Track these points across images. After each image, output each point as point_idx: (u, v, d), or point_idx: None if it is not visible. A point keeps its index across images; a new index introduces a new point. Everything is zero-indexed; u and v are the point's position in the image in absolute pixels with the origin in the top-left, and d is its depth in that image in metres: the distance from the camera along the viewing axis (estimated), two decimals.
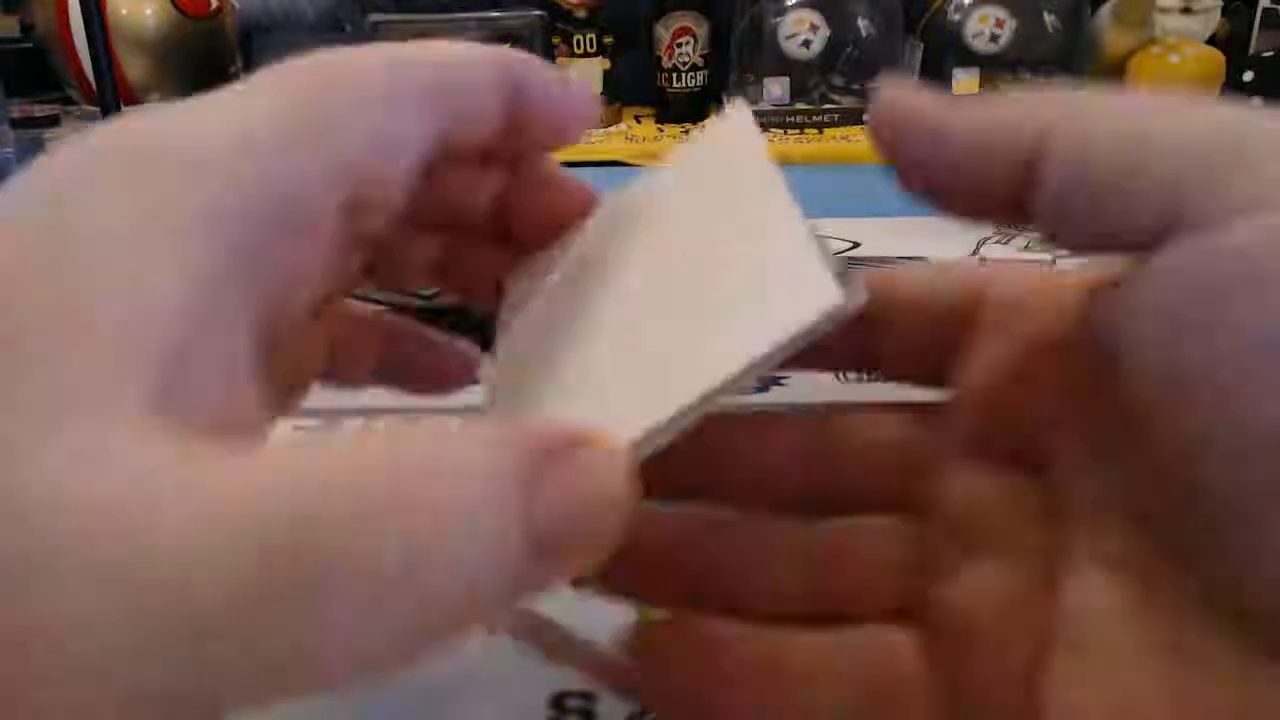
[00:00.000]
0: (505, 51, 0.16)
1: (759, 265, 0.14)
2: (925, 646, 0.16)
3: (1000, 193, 0.14)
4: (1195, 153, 0.12)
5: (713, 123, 0.17)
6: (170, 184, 0.11)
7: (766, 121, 0.85)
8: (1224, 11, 0.92)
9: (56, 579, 0.09)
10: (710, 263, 0.14)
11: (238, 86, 0.13)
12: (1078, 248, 0.14)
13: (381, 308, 0.20)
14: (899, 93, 0.15)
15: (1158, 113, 0.13)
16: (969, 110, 0.14)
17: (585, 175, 0.19)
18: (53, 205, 0.11)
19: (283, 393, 0.18)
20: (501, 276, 0.19)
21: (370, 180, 0.14)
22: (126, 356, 0.10)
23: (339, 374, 0.20)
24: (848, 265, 0.13)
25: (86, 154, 0.12)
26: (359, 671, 0.10)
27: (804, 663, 0.16)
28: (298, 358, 0.18)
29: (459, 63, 0.15)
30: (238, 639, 0.09)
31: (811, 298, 0.12)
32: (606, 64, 0.88)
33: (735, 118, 0.17)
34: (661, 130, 0.87)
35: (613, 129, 0.86)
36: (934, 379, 0.18)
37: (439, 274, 0.20)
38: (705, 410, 0.12)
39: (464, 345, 0.21)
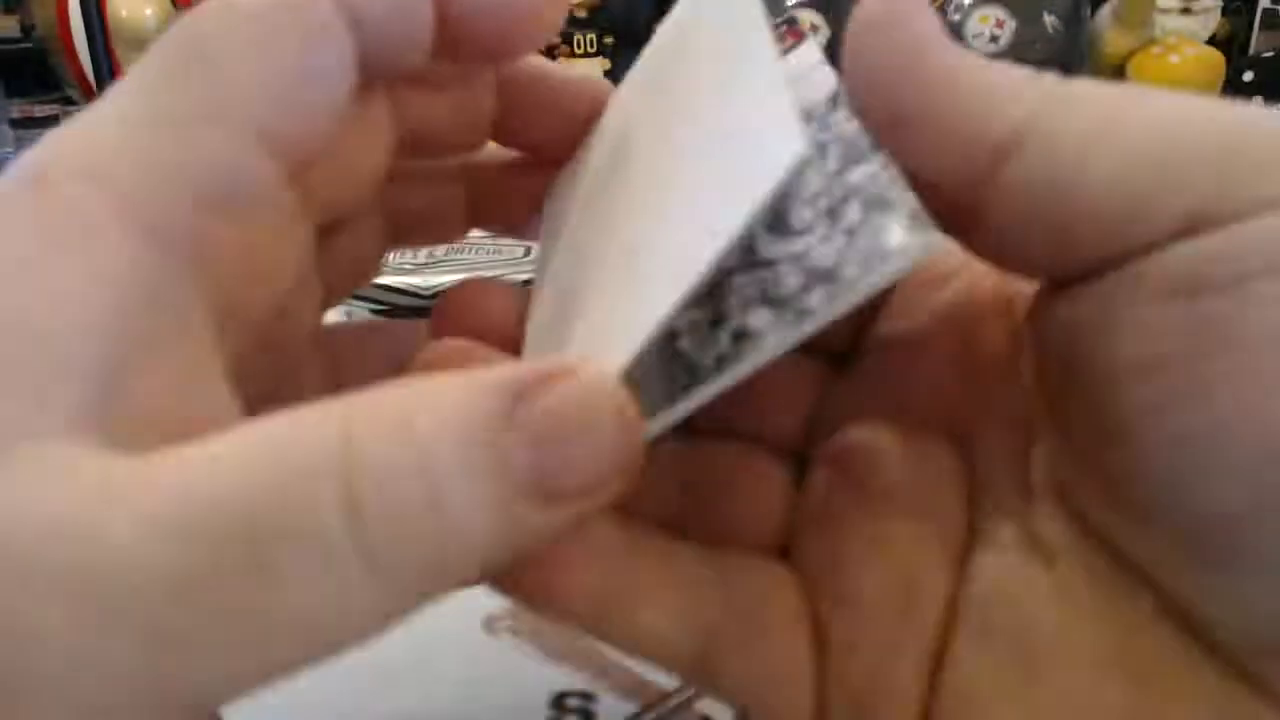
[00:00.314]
0: None
1: (729, 143, 0.13)
2: (802, 586, 0.15)
3: (956, 193, 0.12)
4: (1210, 154, 0.11)
5: None
6: (73, 196, 0.11)
7: None
8: (1224, 11, 0.92)
9: (15, 614, 0.09)
10: (687, 155, 0.14)
11: (130, 73, 0.12)
12: (1026, 266, 0.13)
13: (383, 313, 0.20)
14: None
15: (1153, 108, 0.12)
16: (942, 75, 0.12)
17: None
18: None
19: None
20: (541, 199, 0.19)
21: (289, 129, 0.12)
22: (49, 379, 0.10)
23: None
24: (920, 204, 0.12)
25: None
26: (334, 641, 0.10)
27: (674, 572, 0.15)
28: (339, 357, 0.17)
29: None
30: (195, 629, 0.09)
31: (776, 157, 0.11)
32: (606, 64, 0.88)
33: None
34: None
35: None
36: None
37: (475, 218, 0.19)
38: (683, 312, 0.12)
39: None
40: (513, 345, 0.16)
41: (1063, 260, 0.12)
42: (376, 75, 0.14)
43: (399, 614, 0.10)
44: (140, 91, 0.12)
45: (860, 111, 0.13)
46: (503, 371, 0.10)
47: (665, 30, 0.17)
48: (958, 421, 0.15)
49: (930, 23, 0.13)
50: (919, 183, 0.12)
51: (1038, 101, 0.12)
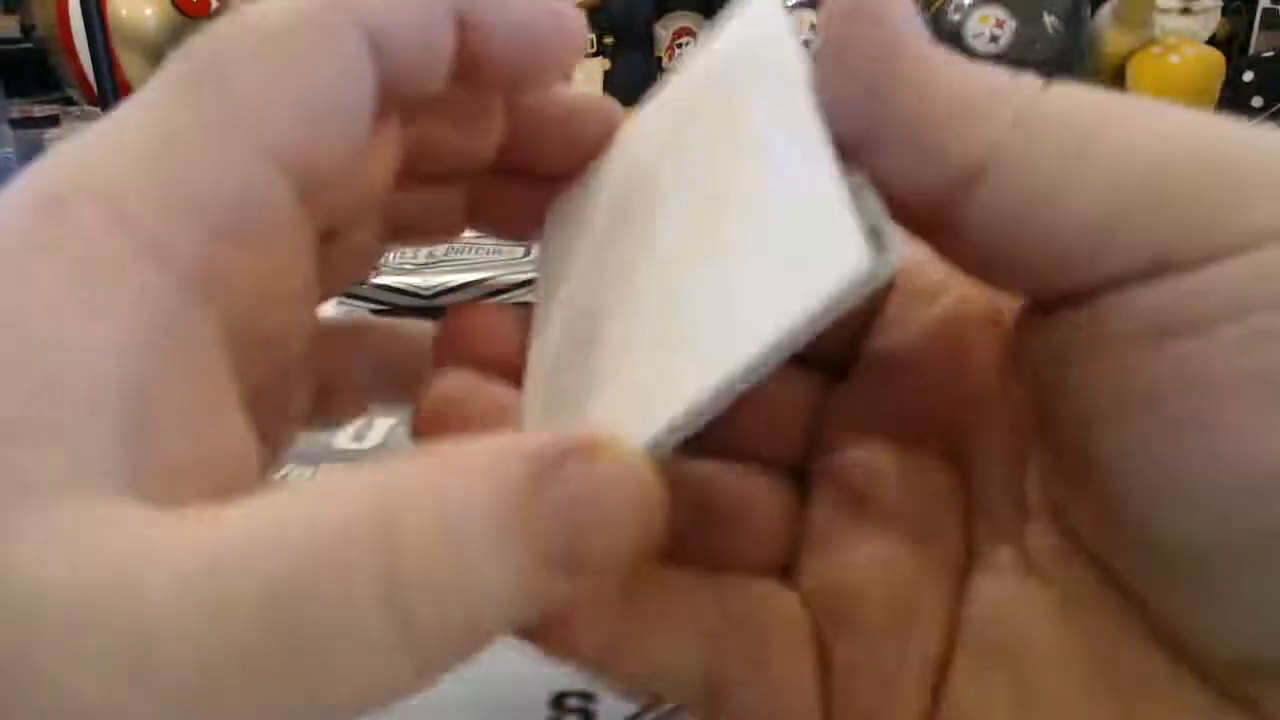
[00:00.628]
0: None
1: (780, 227, 0.12)
2: (804, 607, 0.15)
3: (926, 206, 0.12)
4: (1179, 192, 0.11)
5: (739, 7, 0.16)
6: (89, 224, 0.11)
7: None
8: (1224, 11, 0.92)
9: (49, 668, 0.09)
10: (729, 221, 0.13)
11: (145, 88, 0.12)
12: (999, 285, 0.13)
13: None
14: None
15: (1126, 133, 0.11)
16: (918, 79, 0.12)
17: None
18: None
19: (311, 408, 0.17)
20: (541, 210, 0.18)
21: (309, 156, 0.12)
22: (79, 428, 0.10)
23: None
24: (884, 215, 0.11)
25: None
26: (365, 708, 0.10)
27: (677, 603, 0.15)
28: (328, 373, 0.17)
29: (391, 2, 0.13)
30: (229, 694, 0.09)
31: (834, 268, 0.11)
32: (606, 64, 0.88)
33: (761, 5, 0.15)
34: None
35: None
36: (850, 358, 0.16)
37: (471, 220, 0.19)
38: (720, 403, 0.12)
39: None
40: (515, 372, 0.16)
41: (1031, 288, 0.12)
42: (394, 100, 0.14)
43: (430, 679, 0.10)
44: (158, 109, 0.12)
45: (827, 110, 0.13)
46: (532, 444, 0.11)
47: (696, 67, 0.16)
48: (954, 437, 0.15)
49: (904, 15, 0.12)
50: (888, 188, 0.12)
51: (1007, 124, 0.12)
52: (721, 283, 0.13)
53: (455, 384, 0.15)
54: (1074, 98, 0.12)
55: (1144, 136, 0.11)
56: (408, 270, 0.43)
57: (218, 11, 0.98)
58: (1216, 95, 0.90)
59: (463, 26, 0.14)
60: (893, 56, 0.12)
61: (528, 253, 0.47)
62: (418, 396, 0.15)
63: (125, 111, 0.12)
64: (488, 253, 0.47)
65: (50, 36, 0.94)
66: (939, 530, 0.15)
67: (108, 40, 0.70)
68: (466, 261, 0.46)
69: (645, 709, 0.21)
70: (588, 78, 0.86)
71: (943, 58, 0.12)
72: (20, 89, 0.97)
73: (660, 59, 0.89)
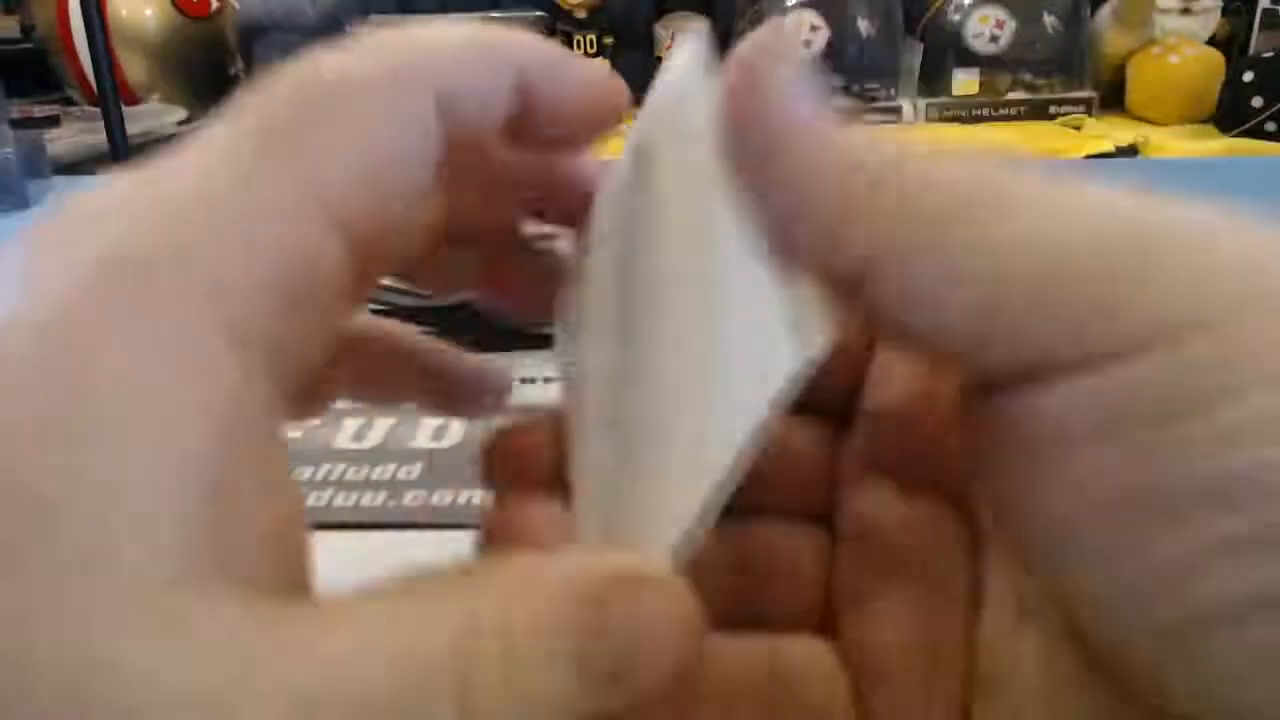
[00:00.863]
0: (518, 48, 0.14)
1: (728, 328, 0.13)
2: (842, 661, 0.16)
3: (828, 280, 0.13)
4: (1059, 289, 0.11)
5: (667, 64, 0.15)
6: (175, 293, 0.11)
7: None
8: (1224, 11, 0.92)
9: None
10: (686, 323, 0.14)
11: (215, 135, 0.12)
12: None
13: (412, 326, 0.19)
14: (761, 61, 0.12)
15: (992, 233, 0.11)
16: (796, 180, 0.12)
17: None
18: (56, 347, 0.10)
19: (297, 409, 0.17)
20: (542, 297, 0.18)
21: (372, 221, 0.13)
22: (171, 514, 0.10)
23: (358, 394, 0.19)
24: (805, 306, 0.12)
25: (79, 270, 0.11)
26: None
27: (732, 676, 0.16)
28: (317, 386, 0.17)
29: (465, 68, 0.13)
30: None
31: (775, 371, 0.12)
32: (606, 64, 0.87)
33: (684, 60, 0.15)
34: None
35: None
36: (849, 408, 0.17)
37: (482, 284, 0.19)
38: (720, 498, 0.13)
39: (491, 374, 0.19)
40: (562, 477, 0.16)
41: (939, 367, 0.13)
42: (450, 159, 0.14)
43: None
44: (231, 164, 0.12)
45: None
46: (585, 578, 0.12)
47: (638, 129, 0.16)
48: (954, 480, 0.15)
49: (786, 90, 0.12)
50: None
51: (887, 218, 0.12)
52: (691, 389, 0.14)
53: (512, 511, 0.16)
54: (952, 181, 0.12)
55: (1019, 231, 0.11)
56: None
57: (218, 12, 0.98)
58: (1216, 95, 0.91)
59: (518, 91, 0.14)
60: (771, 157, 0.12)
61: None
62: (405, 400, 0.15)
63: (195, 161, 0.12)
64: None
65: (50, 36, 0.94)
66: (950, 573, 0.15)
67: (108, 40, 0.70)
68: None
69: None
70: None
71: (822, 145, 0.12)
72: (20, 89, 0.98)
73: (660, 59, 0.89)
